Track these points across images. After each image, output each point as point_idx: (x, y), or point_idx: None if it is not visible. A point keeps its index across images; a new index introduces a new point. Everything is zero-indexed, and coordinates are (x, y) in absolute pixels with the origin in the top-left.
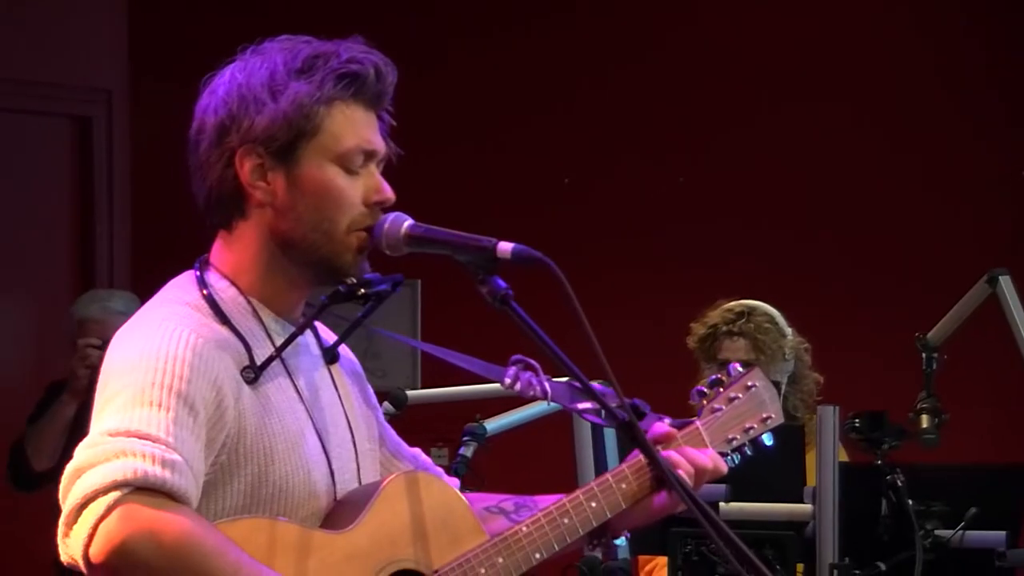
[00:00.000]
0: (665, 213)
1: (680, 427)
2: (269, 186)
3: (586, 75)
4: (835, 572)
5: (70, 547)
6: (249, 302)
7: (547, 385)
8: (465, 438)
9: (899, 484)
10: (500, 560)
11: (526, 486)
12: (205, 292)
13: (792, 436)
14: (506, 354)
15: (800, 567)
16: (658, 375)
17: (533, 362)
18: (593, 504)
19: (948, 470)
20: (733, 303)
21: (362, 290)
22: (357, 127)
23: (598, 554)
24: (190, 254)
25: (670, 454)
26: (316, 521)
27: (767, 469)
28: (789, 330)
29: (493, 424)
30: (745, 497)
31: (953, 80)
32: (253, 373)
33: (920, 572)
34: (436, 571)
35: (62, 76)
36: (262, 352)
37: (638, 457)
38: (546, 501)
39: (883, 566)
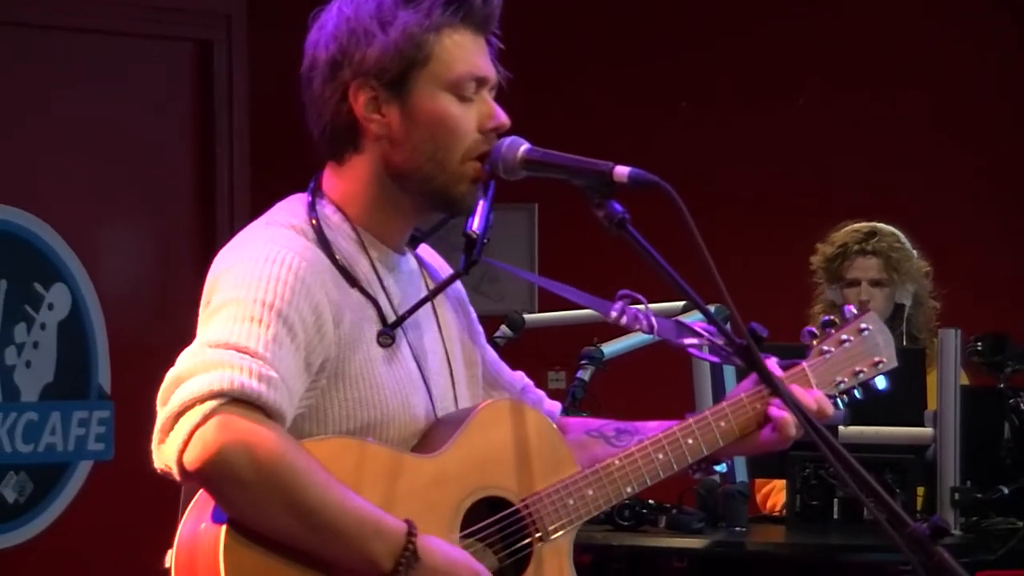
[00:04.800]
0: (783, 135)
1: (787, 367)
2: (384, 119)
3: None
4: (956, 496)
5: (164, 454)
6: (355, 230)
7: (653, 320)
8: (583, 362)
9: (1022, 407)
10: (590, 492)
11: (643, 410)
12: (314, 221)
13: (913, 359)
14: (622, 278)
15: (921, 491)
16: (774, 300)
17: (640, 296)
18: (690, 441)
19: None
20: (859, 224)
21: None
22: (467, 53)
23: (716, 478)
24: (308, 176)
25: None
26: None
27: (887, 392)
28: (915, 252)
29: (611, 348)
30: (865, 421)
31: None
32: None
33: None
34: (523, 500)
35: (183, 0)
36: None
37: (739, 396)
38: (650, 427)
39: (1005, 490)
